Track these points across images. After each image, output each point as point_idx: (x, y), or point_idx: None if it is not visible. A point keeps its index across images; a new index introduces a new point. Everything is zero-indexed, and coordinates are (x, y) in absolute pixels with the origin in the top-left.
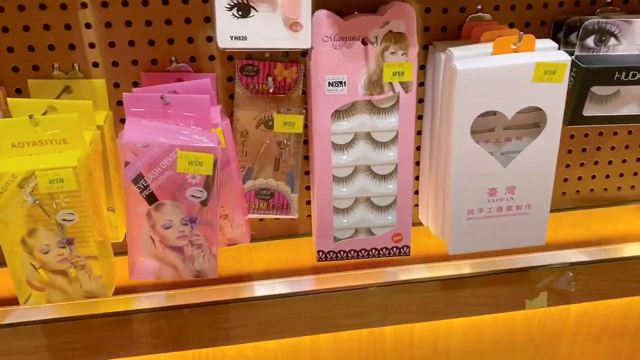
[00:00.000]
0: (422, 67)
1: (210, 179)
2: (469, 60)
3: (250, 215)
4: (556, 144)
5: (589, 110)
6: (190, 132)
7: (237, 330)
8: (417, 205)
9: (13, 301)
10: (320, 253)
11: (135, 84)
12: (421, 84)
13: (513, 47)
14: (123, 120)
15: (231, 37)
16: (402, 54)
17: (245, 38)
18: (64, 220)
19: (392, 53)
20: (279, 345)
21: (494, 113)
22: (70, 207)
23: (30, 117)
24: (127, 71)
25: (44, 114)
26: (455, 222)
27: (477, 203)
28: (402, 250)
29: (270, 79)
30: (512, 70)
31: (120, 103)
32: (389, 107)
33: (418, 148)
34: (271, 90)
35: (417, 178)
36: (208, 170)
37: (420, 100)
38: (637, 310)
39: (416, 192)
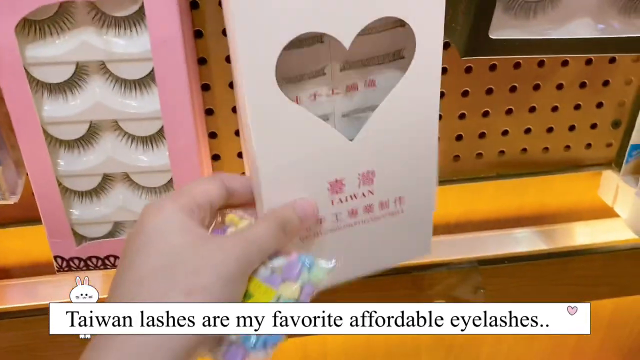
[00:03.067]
0: None
1: None
2: None
3: None
4: (435, 86)
5: (501, 29)
6: None
7: None
8: None
9: None
10: (59, 260)
11: None
12: None
13: None
14: None
15: None
16: None
17: None
18: None
19: None
20: None
21: (320, 39)
22: None
23: None
24: None
25: None
26: None
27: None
28: None
29: None
30: None
31: None
32: (131, 17)
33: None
34: None
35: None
36: None
37: None
38: None
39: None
